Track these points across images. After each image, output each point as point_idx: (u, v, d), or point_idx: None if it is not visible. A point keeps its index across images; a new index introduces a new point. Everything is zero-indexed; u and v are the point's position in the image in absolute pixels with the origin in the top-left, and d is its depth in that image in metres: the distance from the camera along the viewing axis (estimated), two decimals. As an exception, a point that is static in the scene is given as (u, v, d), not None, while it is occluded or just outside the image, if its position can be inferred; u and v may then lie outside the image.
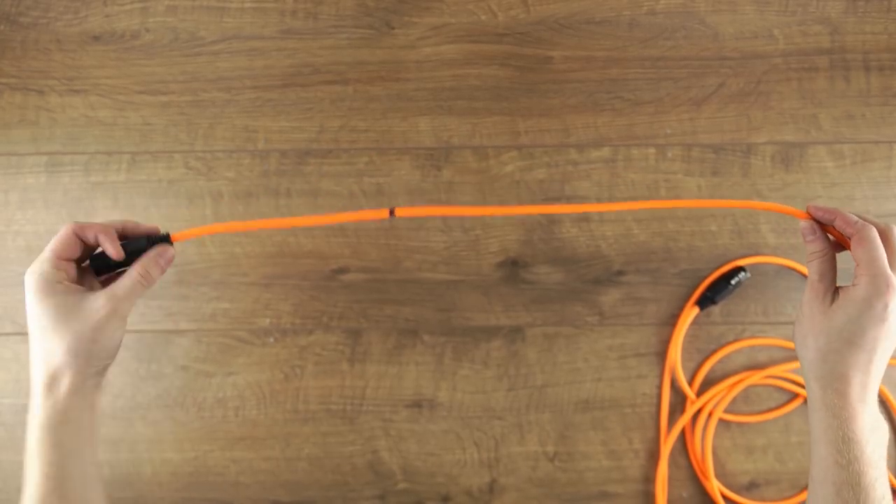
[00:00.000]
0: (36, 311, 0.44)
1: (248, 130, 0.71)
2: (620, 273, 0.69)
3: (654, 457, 0.68)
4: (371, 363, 0.69)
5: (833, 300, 0.45)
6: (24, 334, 0.69)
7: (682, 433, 0.68)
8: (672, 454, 0.67)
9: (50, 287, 0.44)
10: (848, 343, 0.43)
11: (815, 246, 0.47)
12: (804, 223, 0.48)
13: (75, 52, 0.72)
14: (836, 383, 0.43)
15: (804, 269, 0.68)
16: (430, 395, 0.68)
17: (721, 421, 0.67)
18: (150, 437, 0.68)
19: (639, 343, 0.68)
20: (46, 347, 0.44)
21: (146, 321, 0.69)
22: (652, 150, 0.70)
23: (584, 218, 0.69)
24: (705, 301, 0.67)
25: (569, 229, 0.69)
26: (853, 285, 0.44)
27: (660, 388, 0.68)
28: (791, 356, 0.68)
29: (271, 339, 0.69)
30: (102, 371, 0.46)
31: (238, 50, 0.72)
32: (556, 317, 0.69)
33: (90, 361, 0.44)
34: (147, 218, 0.70)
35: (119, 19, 0.72)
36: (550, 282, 0.69)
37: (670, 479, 0.67)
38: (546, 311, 0.69)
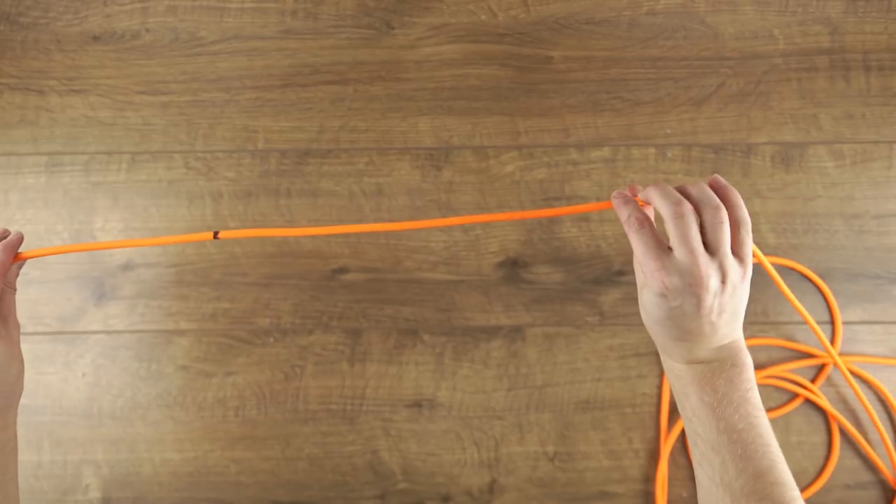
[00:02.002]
0: None
1: (248, 130, 0.71)
2: (620, 273, 0.69)
3: (654, 457, 0.68)
4: (371, 363, 0.69)
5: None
6: (23, 334, 0.69)
7: (682, 433, 0.68)
8: (672, 454, 0.67)
9: None
10: (672, 338, 0.42)
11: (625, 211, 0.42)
12: (615, 195, 0.43)
13: (75, 52, 0.72)
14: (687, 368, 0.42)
15: (805, 270, 0.68)
16: (430, 395, 0.68)
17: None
18: (150, 437, 0.68)
19: (639, 343, 0.68)
20: None
21: (146, 321, 0.69)
22: (652, 150, 0.70)
23: (584, 218, 0.69)
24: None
25: (569, 229, 0.69)
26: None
27: (660, 388, 0.68)
28: (792, 356, 0.68)
29: (271, 339, 0.69)
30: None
31: (238, 50, 0.72)
32: (556, 317, 0.69)
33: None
34: (147, 218, 0.70)
35: (119, 19, 0.72)
36: (550, 282, 0.69)
37: (670, 479, 0.67)
38: (546, 311, 0.69)
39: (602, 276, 0.69)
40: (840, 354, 0.68)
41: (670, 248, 0.40)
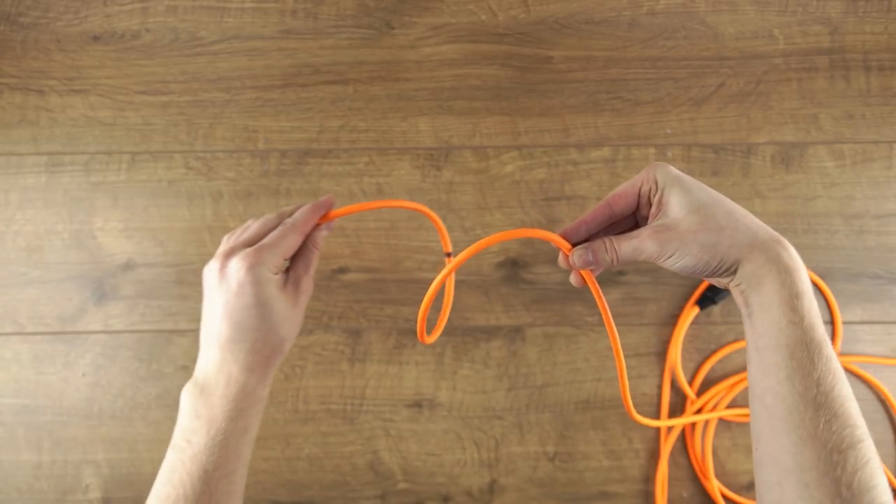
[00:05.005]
0: (246, 302, 0.44)
1: (248, 130, 0.71)
2: (621, 273, 0.69)
3: (654, 457, 0.68)
4: (371, 363, 0.69)
5: (662, 223, 0.40)
6: (24, 334, 0.69)
7: (682, 433, 0.68)
8: (672, 454, 0.67)
9: (269, 285, 0.44)
10: (718, 228, 0.39)
11: (595, 259, 0.41)
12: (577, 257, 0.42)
13: (75, 52, 0.72)
14: (763, 252, 0.38)
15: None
16: (430, 395, 0.68)
17: (721, 421, 0.67)
18: (150, 437, 0.68)
19: (639, 343, 0.68)
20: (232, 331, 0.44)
21: (146, 321, 0.69)
22: (652, 150, 0.70)
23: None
24: (705, 301, 0.67)
25: (569, 229, 0.69)
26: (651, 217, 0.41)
27: (660, 388, 0.68)
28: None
29: (271, 339, 0.69)
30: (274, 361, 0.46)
31: (238, 50, 0.72)
32: (556, 317, 0.69)
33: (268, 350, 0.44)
34: (147, 218, 0.70)
35: (119, 19, 0.72)
36: (550, 282, 0.69)
37: (670, 479, 0.67)
38: (546, 311, 0.69)
39: (602, 276, 0.69)
40: (840, 355, 0.68)
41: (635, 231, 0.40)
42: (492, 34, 0.72)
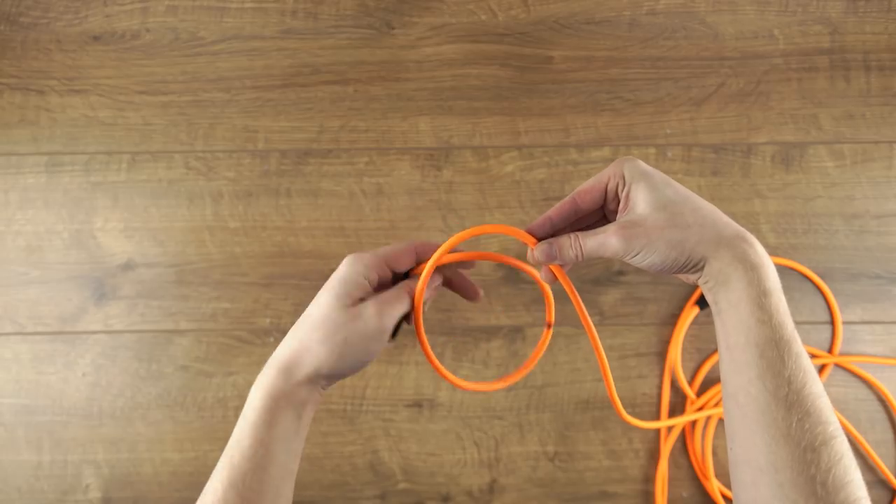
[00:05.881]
0: (332, 303, 0.40)
1: (248, 130, 0.71)
2: (621, 273, 0.69)
3: (654, 457, 0.68)
4: (371, 363, 0.69)
5: (627, 219, 0.40)
6: (24, 334, 0.69)
7: (682, 433, 0.68)
8: (672, 454, 0.67)
9: (358, 286, 0.41)
10: (685, 225, 0.38)
11: (558, 255, 0.41)
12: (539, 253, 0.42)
13: (75, 52, 0.72)
14: (729, 249, 0.38)
15: (805, 270, 0.68)
16: (430, 395, 0.68)
17: (721, 421, 0.67)
18: (150, 437, 0.68)
19: (639, 343, 0.68)
20: (309, 337, 0.40)
21: (146, 321, 0.69)
22: (652, 150, 0.70)
23: (584, 218, 0.69)
24: (705, 301, 0.67)
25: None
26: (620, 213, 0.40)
27: (660, 388, 0.68)
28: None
29: (271, 339, 0.69)
30: (336, 378, 0.42)
31: (238, 50, 0.72)
32: (557, 317, 0.69)
33: (339, 364, 0.41)
34: (147, 218, 0.70)
35: (119, 19, 0.72)
36: (550, 282, 0.69)
37: (670, 479, 0.67)
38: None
39: (602, 276, 0.69)
40: (840, 354, 0.68)
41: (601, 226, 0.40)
42: (492, 34, 0.72)
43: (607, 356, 0.68)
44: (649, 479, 0.67)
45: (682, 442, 0.68)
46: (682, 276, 0.41)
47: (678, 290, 0.69)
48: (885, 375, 0.67)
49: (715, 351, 0.68)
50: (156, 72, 0.72)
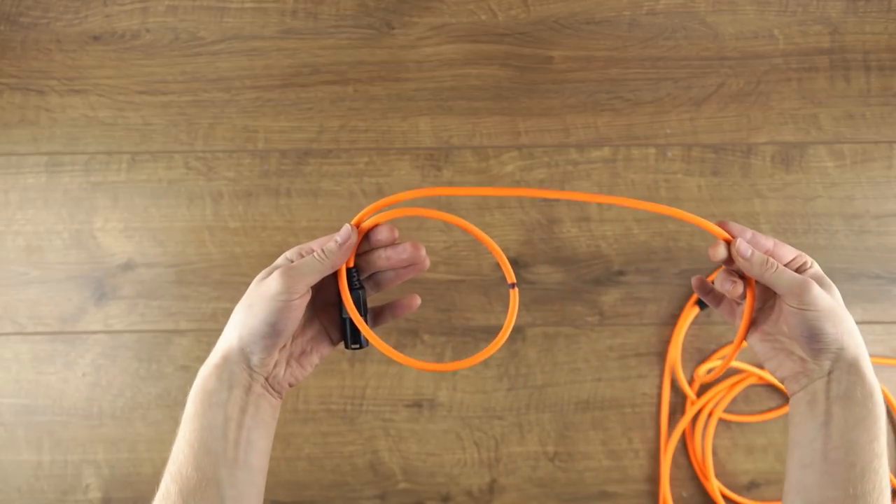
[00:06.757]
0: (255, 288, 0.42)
1: (248, 130, 0.71)
2: (621, 273, 0.69)
3: (654, 457, 0.68)
4: (371, 363, 0.69)
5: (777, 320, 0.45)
6: (24, 334, 0.69)
7: (683, 433, 0.68)
8: (672, 454, 0.67)
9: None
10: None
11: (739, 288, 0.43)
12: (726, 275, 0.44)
13: (75, 52, 0.72)
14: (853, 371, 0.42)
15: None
16: (430, 395, 0.68)
17: (721, 421, 0.67)
18: (150, 437, 0.68)
19: (639, 343, 0.68)
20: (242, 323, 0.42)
21: (146, 321, 0.69)
22: (652, 150, 0.70)
23: (585, 218, 0.69)
24: (704, 302, 0.67)
25: (569, 229, 0.69)
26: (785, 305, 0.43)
27: (660, 388, 0.68)
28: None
29: (271, 339, 0.69)
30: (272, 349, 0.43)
31: (238, 50, 0.72)
32: (556, 317, 0.69)
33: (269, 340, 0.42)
34: (147, 218, 0.70)
35: (119, 19, 0.72)
36: (550, 282, 0.69)
37: (671, 478, 0.67)
38: (546, 311, 0.69)
39: (602, 276, 0.69)
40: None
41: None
42: (492, 34, 0.72)
43: (607, 356, 0.68)
44: (649, 479, 0.67)
45: (683, 442, 0.68)
46: (807, 351, 0.42)
47: (678, 290, 0.69)
48: (885, 375, 0.67)
49: (715, 351, 0.68)
50: (156, 72, 0.72)
